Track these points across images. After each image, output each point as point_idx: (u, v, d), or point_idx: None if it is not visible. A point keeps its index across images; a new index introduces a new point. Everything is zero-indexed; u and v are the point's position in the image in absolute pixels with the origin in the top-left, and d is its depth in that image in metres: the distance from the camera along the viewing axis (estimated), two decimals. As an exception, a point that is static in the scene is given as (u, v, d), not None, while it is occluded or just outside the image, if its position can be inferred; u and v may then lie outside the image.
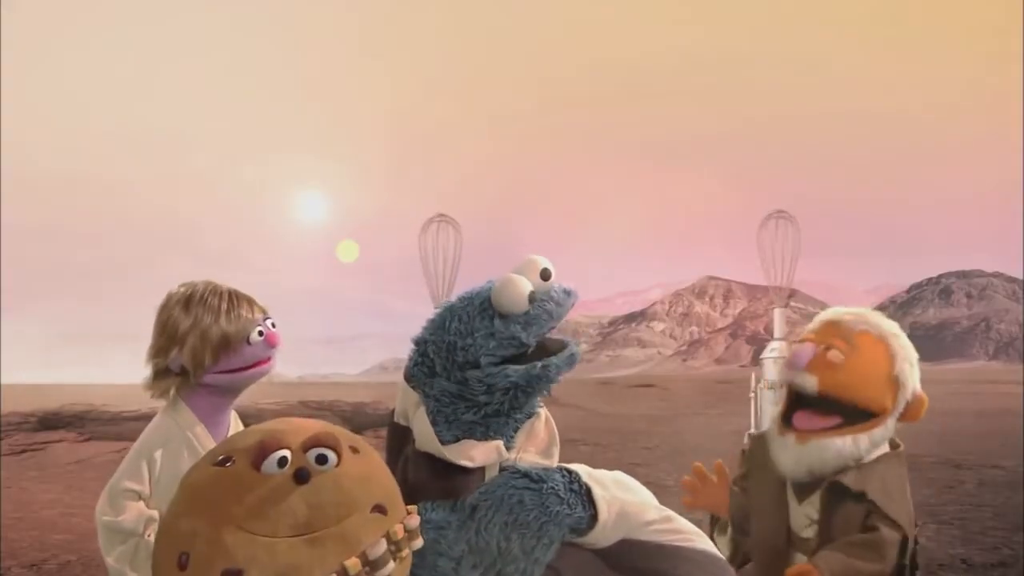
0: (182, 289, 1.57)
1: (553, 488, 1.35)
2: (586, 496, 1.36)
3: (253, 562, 1.05)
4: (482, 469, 1.39)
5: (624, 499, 1.38)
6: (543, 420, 1.50)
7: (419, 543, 1.17)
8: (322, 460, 1.10)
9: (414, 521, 1.16)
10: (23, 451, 9.37)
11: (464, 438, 1.38)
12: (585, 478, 1.40)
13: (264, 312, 1.60)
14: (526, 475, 1.37)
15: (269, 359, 1.59)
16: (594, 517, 1.35)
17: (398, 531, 1.13)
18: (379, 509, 1.13)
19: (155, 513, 1.52)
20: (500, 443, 1.40)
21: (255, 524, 1.06)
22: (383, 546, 1.11)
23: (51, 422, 11.09)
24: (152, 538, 1.48)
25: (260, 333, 1.56)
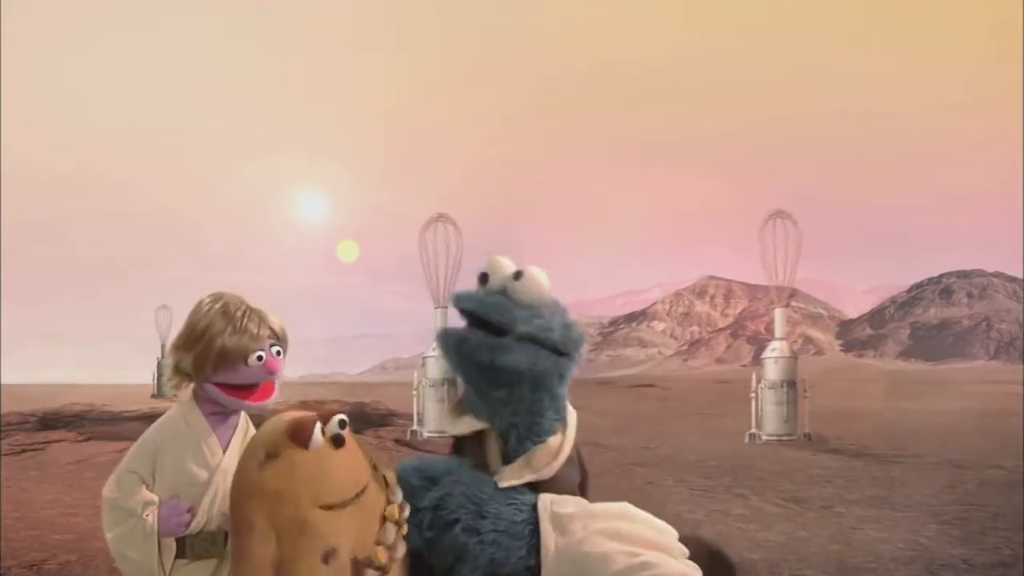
0: (210, 298, 1.66)
1: (493, 530, 1.42)
2: (534, 545, 1.41)
3: (339, 535, 1.19)
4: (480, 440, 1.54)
5: (585, 550, 1.38)
6: (550, 451, 1.49)
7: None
8: (343, 425, 1.27)
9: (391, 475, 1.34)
10: (23, 451, 9.32)
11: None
12: (544, 521, 1.40)
13: (275, 335, 1.64)
14: (480, 512, 1.42)
15: (271, 387, 1.63)
16: (535, 568, 1.40)
17: (390, 479, 1.32)
18: (372, 466, 1.31)
19: (154, 497, 1.59)
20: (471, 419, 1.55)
21: (326, 497, 1.20)
22: (399, 492, 1.31)
23: (51, 422, 11.08)
24: (150, 519, 1.56)
25: (259, 357, 1.59)
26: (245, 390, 1.61)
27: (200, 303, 1.65)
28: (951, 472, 8.34)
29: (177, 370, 1.63)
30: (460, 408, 1.60)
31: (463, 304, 1.53)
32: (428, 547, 1.44)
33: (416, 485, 1.48)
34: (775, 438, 11.65)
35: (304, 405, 1.33)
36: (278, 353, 1.63)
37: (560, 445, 1.51)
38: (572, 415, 1.58)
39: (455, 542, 1.41)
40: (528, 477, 1.49)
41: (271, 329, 1.64)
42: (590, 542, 1.39)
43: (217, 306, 1.62)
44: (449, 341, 1.51)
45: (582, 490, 1.60)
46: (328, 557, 1.18)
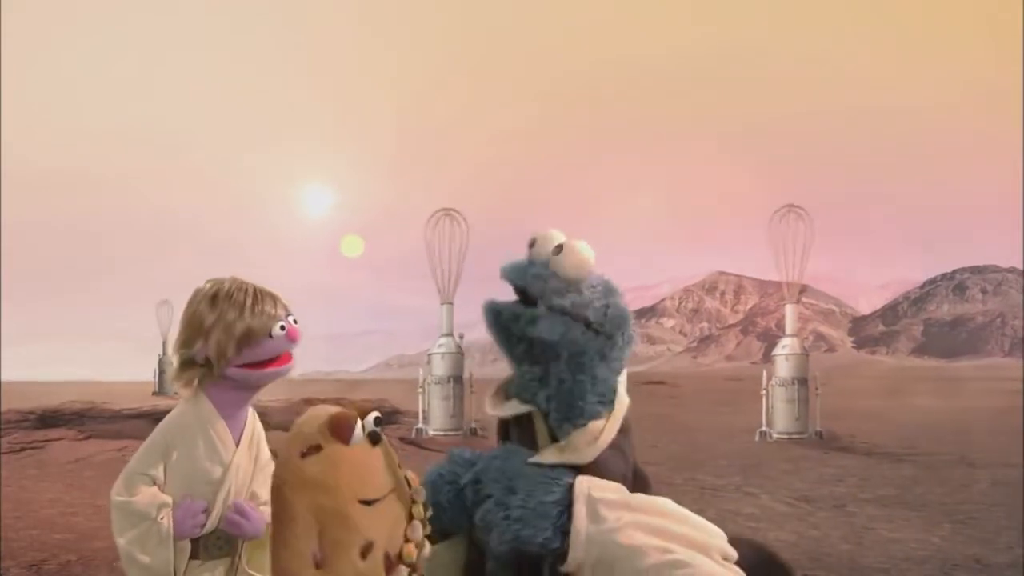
0: (209, 285, 1.62)
1: (522, 507, 1.38)
2: (563, 527, 1.36)
3: (376, 529, 1.21)
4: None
5: (617, 540, 1.34)
6: (590, 435, 1.44)
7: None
8: (379, 423, 1.28)
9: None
10: (22, 449, 9.27)
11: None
12: (579, 504, 1.36)
13: (287, 309, 1.64)
14: (510, 487, 1.38)
15: (289, 355, 1.63)
16: (561, 550, 1.35)
17: (413, 479, 1.33)
18: (398, 464, 1.32)
19: (168, 499, 1.55)
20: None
21: (365, 493, 1.22)
22: (422, 491, 1.31)
23: (51, 420, 10.99)
24: (165, 522, 1.52)
25: (282, 327, 1.59)
26: (267, 363, 1.59)
27: (199, 291, 1.61)
28: (964, 471, 8.27)
29: (189, 364, 1.59)
30: (504, 390, 1.57)
31: (505, 274, 1.49)
32: (472, 523, 1.44)
33: (461, 464, 1.49)
34: (786, 436, 11.54)
35: (339, 403, 1.37)
36: (295, 322, 1.63)
37: (602, 430, 1.44)
38: (623, 403, 1.51)
39: (486, 516, 1.39)
40: (565, 458, 1.43)
41: (282, 303, 1.64)
42: (624, 533, 1.34)
43: (224, 288, 1.59)
44: (485, 312, 1.50)
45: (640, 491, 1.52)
46: (365, 552, 1.21)
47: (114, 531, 1.56)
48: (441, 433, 11.41)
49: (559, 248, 1.44)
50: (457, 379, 11.61)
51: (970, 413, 17.39)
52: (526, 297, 1.46)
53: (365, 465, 1.25)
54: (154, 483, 1.57)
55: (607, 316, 1.46)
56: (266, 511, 1.48)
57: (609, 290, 1.48)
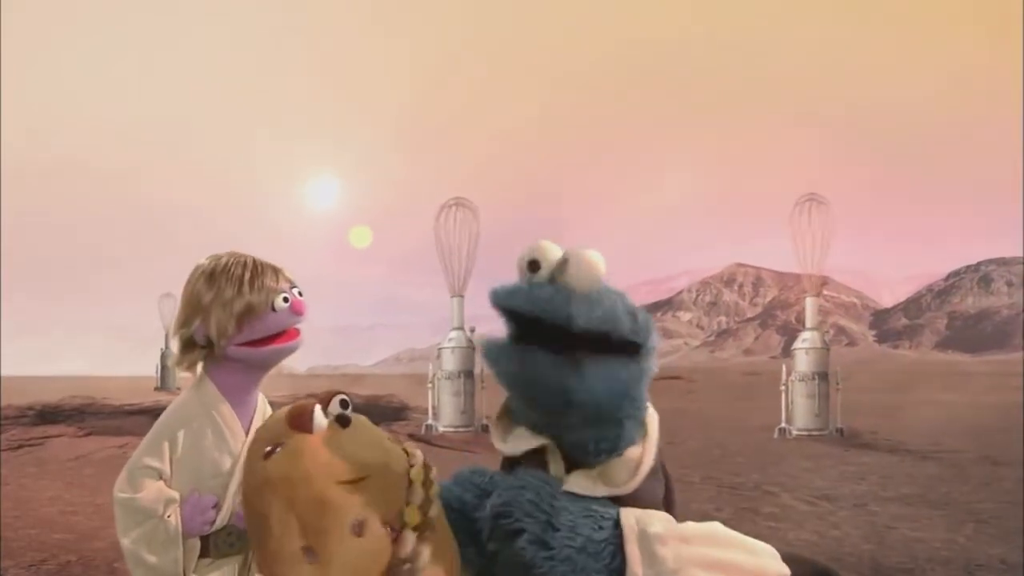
0: (207, 261, 1.54)
1: (569, 546, 1.20)
2: (617, 569, 1.19)
3: (367, 506, 1.16)
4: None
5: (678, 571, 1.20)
6: (629, 466, 1.28)
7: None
8: (346, 405, 1.23)
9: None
10: (20, 446, 9.20)
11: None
12: (631, 543, 1.20)
13: (290, 281, 1.56)
14: (549, 522, 1.21)
15: (296, 330, 1.55)
16: None
17: (407, 446, 1.29)
18: (387, 438, 1.29)
19: (175, 494, 1.48)
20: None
21: (342, 474, 1.16)
22: (419, 454, 1.27)
23: (50, 416, 10.96)
24: (172, 519, 1.45)
25: (285, 299, 1.52)
26: (272, 339, 1.51)
27: (197, 268, 1.54)
28: (989, 469, 8.13)
29: (189, 345, 1.52)
30: (509, 418, 1.35)
31: (508, 302, 1.22)
32: (491, 562, 1.25)
33: (468, 489, 1.32)
34: (806, 433, 11.40)
35: (312, 397, 1.31)
36: (300, 295, 1.55)
37: (640, 457, 1.28)
38: (653, 419, 1.33)
39: (519, 555, 1.20)
40: (601, 492, 1.26)
41: (285, 276, 1.56)
42: (685, 573, 1.19)
43: (222, 264, 1.51)
44: (500, 366, 1.23)
45: (668, 504, 1.35)
46: (359, 529, 1.16)
47: (118, 530, 1.48)
48: (451, 430, 11.32)
49: (564, 262, 1.21)
50: (468, 374, 11.50)
51: (994, 409, 17.12)
52: (533, 323, 1.21)
53: (337, 448, 1.18)
54: (160, 477, 1.49)
55: (640, 324, 1.24)
56: None
57: (623, 294, 1.26)
